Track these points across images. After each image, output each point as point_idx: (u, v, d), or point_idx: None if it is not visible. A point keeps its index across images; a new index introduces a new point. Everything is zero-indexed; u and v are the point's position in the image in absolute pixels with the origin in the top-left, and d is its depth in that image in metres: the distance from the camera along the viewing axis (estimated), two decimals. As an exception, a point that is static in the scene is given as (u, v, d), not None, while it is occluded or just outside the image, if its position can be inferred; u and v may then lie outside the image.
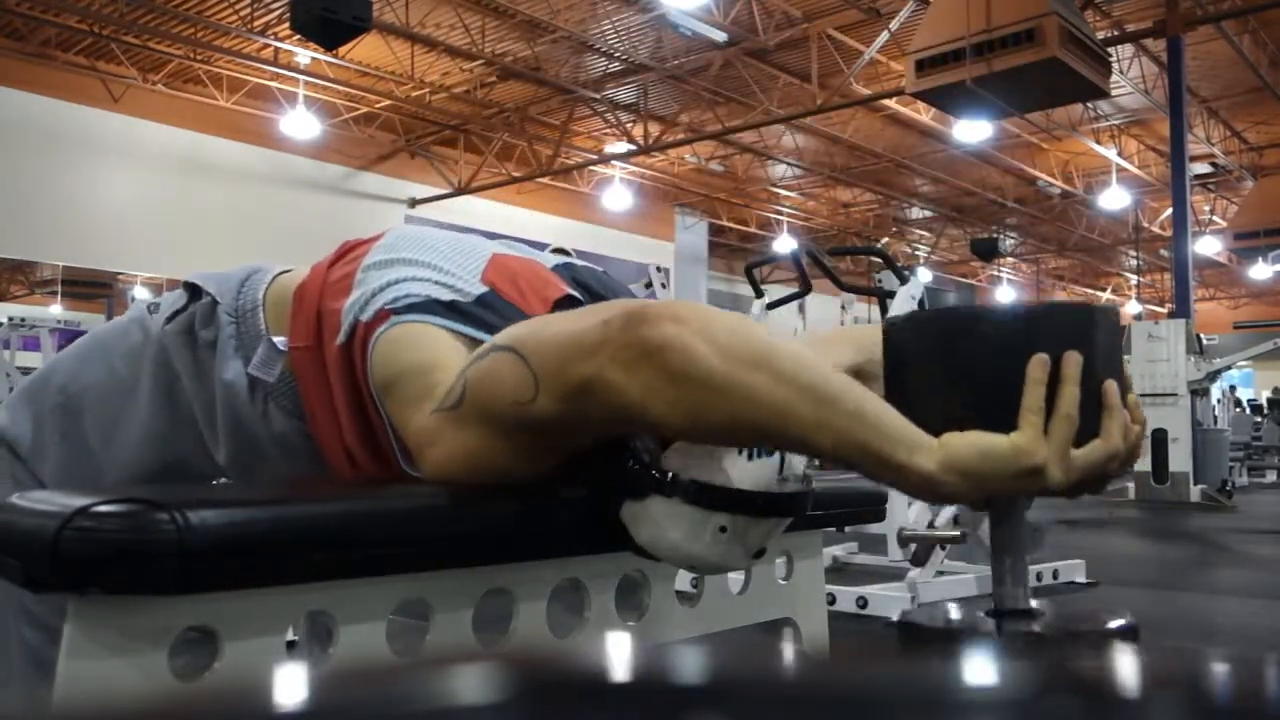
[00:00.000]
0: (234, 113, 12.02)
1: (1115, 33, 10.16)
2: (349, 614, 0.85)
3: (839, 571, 4.22)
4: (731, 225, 17.74)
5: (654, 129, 13.01)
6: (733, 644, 1.12)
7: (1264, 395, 14.64)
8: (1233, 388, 14.79)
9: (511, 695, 0.21)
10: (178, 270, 10.37)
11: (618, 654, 0.24)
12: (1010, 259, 20.64)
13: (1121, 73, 10.81)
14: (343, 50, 9.14)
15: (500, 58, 11.13)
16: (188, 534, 0.72)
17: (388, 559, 0.85)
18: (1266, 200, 14.07)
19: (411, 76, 11.45)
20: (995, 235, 17.69)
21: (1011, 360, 0.76)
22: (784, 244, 16.74)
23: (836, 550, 4.48)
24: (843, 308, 8.54)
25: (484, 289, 1.02)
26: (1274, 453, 12.69)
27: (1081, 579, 4.04)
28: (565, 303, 1.04)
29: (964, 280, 22.12)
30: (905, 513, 3.71)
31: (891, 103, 11.70)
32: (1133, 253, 18.16)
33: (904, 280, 4.07)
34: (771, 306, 4.61)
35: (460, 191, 14.01)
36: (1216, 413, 11.17)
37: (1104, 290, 23.52)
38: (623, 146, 13.59)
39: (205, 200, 11.70)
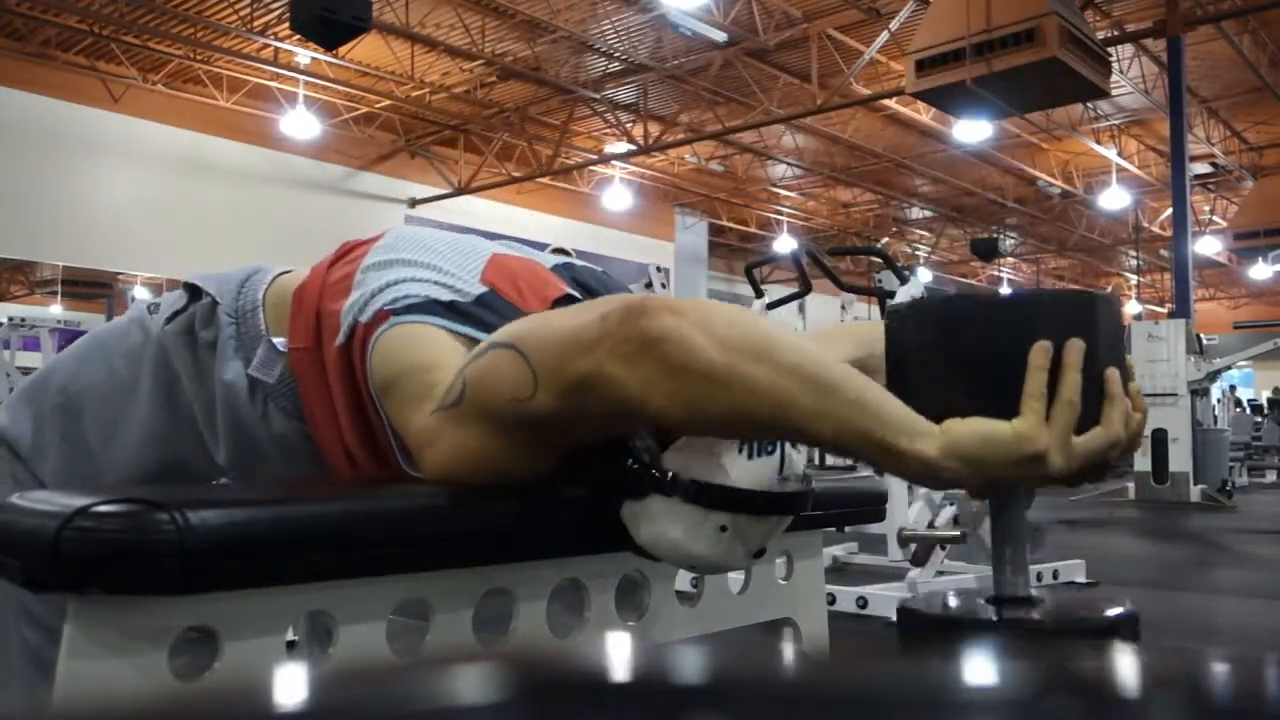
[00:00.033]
0: (234, 113, 12.02)
1: (1115, 33, 10.16)
2: (349, 614, 0.85)
3: (839, 571, 4.22)
4: (731, 225, 17.74)
5: (654, 129, 13.01)
6: (733, 644, 1.12)
7: (1264, 395, 14.64)
8: (1233, 387, 14.79)
9: (511, 695, 0.21)
10: (178, 270, 10.37)
11: (618, 654, 0.24)
12: (1010, 259, 20.65)
13: (1121, 73, 10.81)
14: (343, 50, 9.14)
15: (500, 58, 11.13)
16: (188, 534, 0.72)
17: (388, 559, 0.85)
18: (1266, 200, 14.07)
19: (411, 76, 11.45)
20: (995, 235, 17.69)
21: (1013, 347, 0.76)
22: (784, 244, 16.74)
23: (836, 550, 4.48)
24: (843, 308, 8.53)
25: (483, 289, 1.02)
26: (1274, 453, 12.69)
27: (1082, 579, 4.04)
28: (564, 302, 1.04)
29: (964, 280, 22.13)
30: (905, 513, 3.71)
31: (891, 103, 11.70)
32: (1133, 253, 18.17)
33: (904, 280, 4.07)
34: (771, 306, 4.62)
35: (460, 191, 14.02)
36: (1216, 413, 11.17)
37: (1104, 290, 23.51)
38: (623, 146, 13.59)
39: (205, 200, 11.70)
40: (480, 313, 0.99)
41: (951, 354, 0.79)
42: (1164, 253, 17.68)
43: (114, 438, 1.13)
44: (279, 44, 10.29)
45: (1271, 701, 0.22)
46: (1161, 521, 7.15)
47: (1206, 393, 9.26)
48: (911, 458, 0.75)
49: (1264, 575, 4.78)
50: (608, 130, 13.57)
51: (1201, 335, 9.05)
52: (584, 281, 1.13)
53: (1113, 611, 0.79)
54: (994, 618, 0.80)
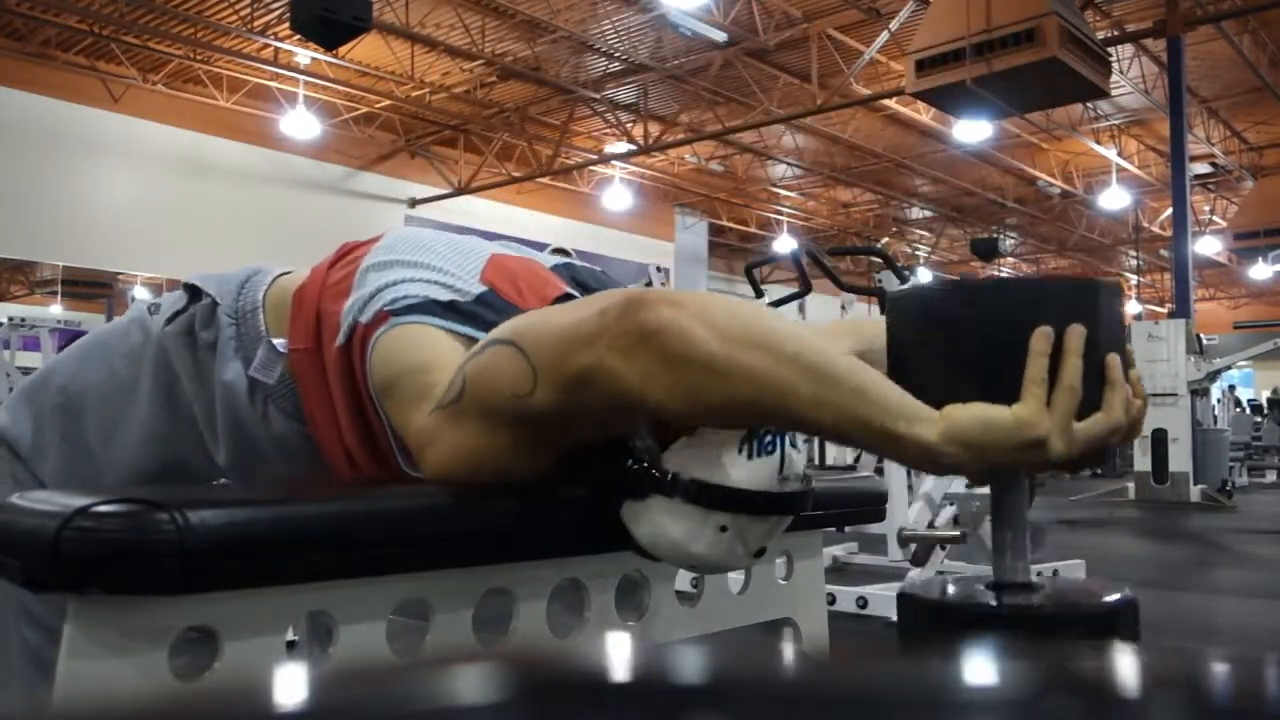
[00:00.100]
0: (234, 113, 12.02)
1: (1115, 33, 10.16)
2: (349, 614, 0.85)
3: (839, 571, 4.22)
4: (731, 225, 17.74)
5: (654, 129, 13.01)
6: (733, 644, 1.12)
7: (1264, 395, 14.64)
8: (1232, 387, 14.79)
9: (511, 695, 0.21)
10: (178, 270, 10.37)
11: (618, 654, 0.24)
12: (1010, 259, 20.65)
13: (1121, 73, 10.81)
14: (343, 50, 9.14)
15: (500, 58, 11.13)
16: (188, 534, 0.72)
17: (387, 559, 0.85)
18: (1266, 200, 14.07)
19: (411, 76, 11.45)
20: (995, 235, 17.69)
21: (1015, 334, 0.76)
22: (784, 244, 16.74)
23: (836, 550, 4.48)
24: (843, 308, 8.52)
25: (483, 288, 1.02)
26: (1274, 453, 12.69)
27: (1082, 579, 4.04)
28: (564, 301, 1.04)
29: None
30: (905, 513, 3.71)
31: (891, 103, 11.70)
32: (1133, 253, 18.17)
33: (904, 280, 4.07)
34: (772, 306, 4.61)
35: (460, 191, 14.02)
36: (1216, 413, 11.17)
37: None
38: (623, 146, 13.59)
39: (205, 200, 11.70)
40: (480, 312, 0.99)
41: (952, 340, 0.79)
42: (1164, 253, 17.68)
43: (114, 438, 1.13)
44: (279, 44, 10.29)
45: (1271, 701, 0.22)
46: (1161, 521, 7.15)
47: (1206, 393, 9.27)
48: (912, 443, 0.75)
49: (1264, 575, 4.79)
50: (608, 130, 13.57)
51: (1201, 335, 9.05)
52: (583, 281, 1.13)
53: (1112, 597, 0.78)
54: (993, 603, 0.80)
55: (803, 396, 0.76)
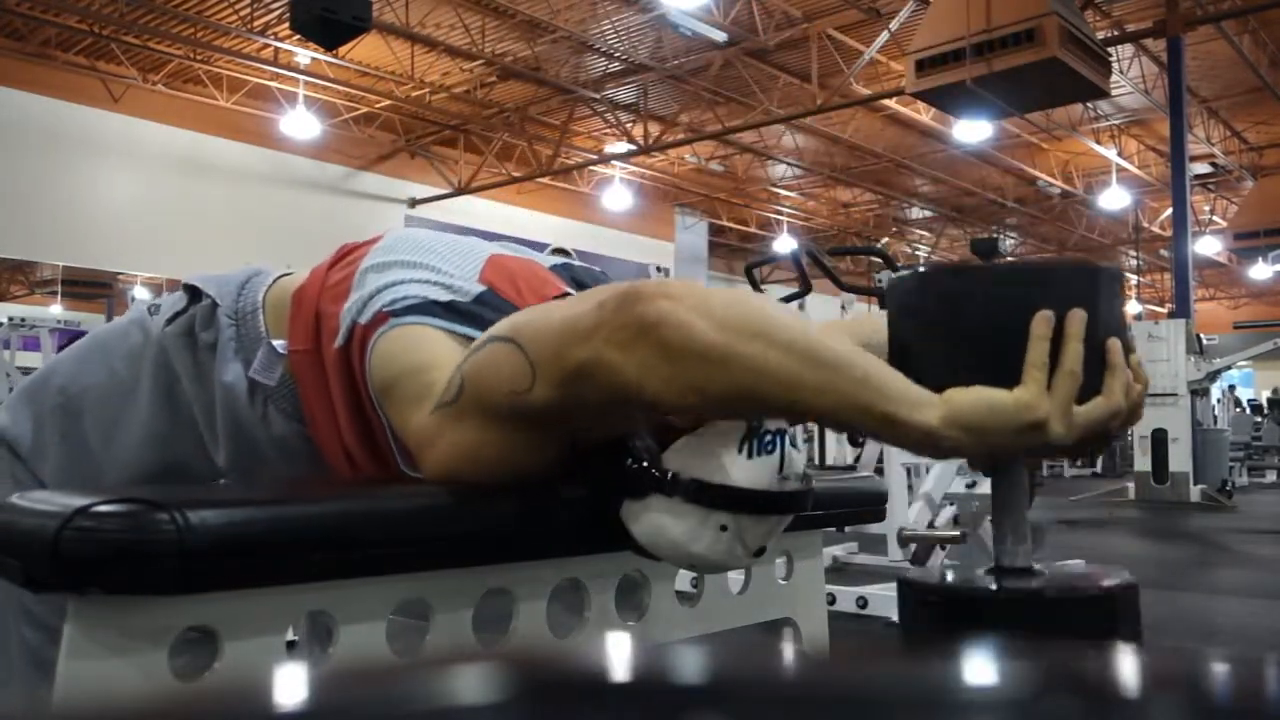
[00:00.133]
0: (234, 113, 12.02)
1: (1115, 33, 10.16)
2: (349, 614, 0.85)
3: (839, 571, 4.22)
4: (731, 225, 17.74)
5: (654, 129, 13.01)
6: (733, 644, 1.12)
7: (1264, 395, 14.64)
8: (1231, 387, 14.79)
9: (511, 695, 0.21)
10: (178, 270, 10.37)
11: (618, 654, 0.24)
12: (1010, 259, 20.65)
13: (1121, 73, 10.81)
14: (343, 50, 9.14)
15: (500, 58, 11.13)
16: (188, 534, 0.72)
17: (387, 559, 0.85)
18: (1266, 200, 14.07)
19: (411, 76, 11.45)
20: (995, 235, 17.69)
21: (1015, 318, 0.76)
22: (784, 244, 16.74)
23: (836, 550, 4.48)
24: (843, 308, 8.52)
25: (481, 288, 1.02)
26: (1274, 453, 12.70)
27: (1081, 579, 4.04)
28: None
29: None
30: (905, 513, 3.71)
31: (891, 103, 11.70)
32: (1133, 253, 18.17)
33: (904, 280, 4.06)
34: (771, 306, 4.60)
35: (460, 191, 14.02)
36: (1216, 413, 11.17)
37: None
38: (623, 146, 13.59)
39: (205, 200, 11.70)
40: (479, 312, 0.99)
41: (953, 325, 0.79)
42: (1164, 253, 17.68)
43: (114, 438, 1.13)
44: (279, 44, 10.29)
45: (1271, 701, 0.22)
46: (1161, 521, 7.15)
47: (1206, 393, 9.26)
48: (913, 428, 0.75)
49: (1264, 575, 4.79)
50: (608, 130, 13.57)
51: (1201, 335, 9.05)
52: (582, 281, 1.13)
53: (1112, 581, 0.78)
54: (993, 587, 0.80)
55: (803, 384, 0.76)
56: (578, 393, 0.82)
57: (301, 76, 11.31)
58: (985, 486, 3.45)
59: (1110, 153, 13.69)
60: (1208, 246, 16.76)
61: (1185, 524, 7.07)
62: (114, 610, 0.74)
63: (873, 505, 1.43)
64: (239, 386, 1.08)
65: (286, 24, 7.36)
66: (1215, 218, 17.04)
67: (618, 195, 14.96)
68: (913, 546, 3.61)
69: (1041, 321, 0.76)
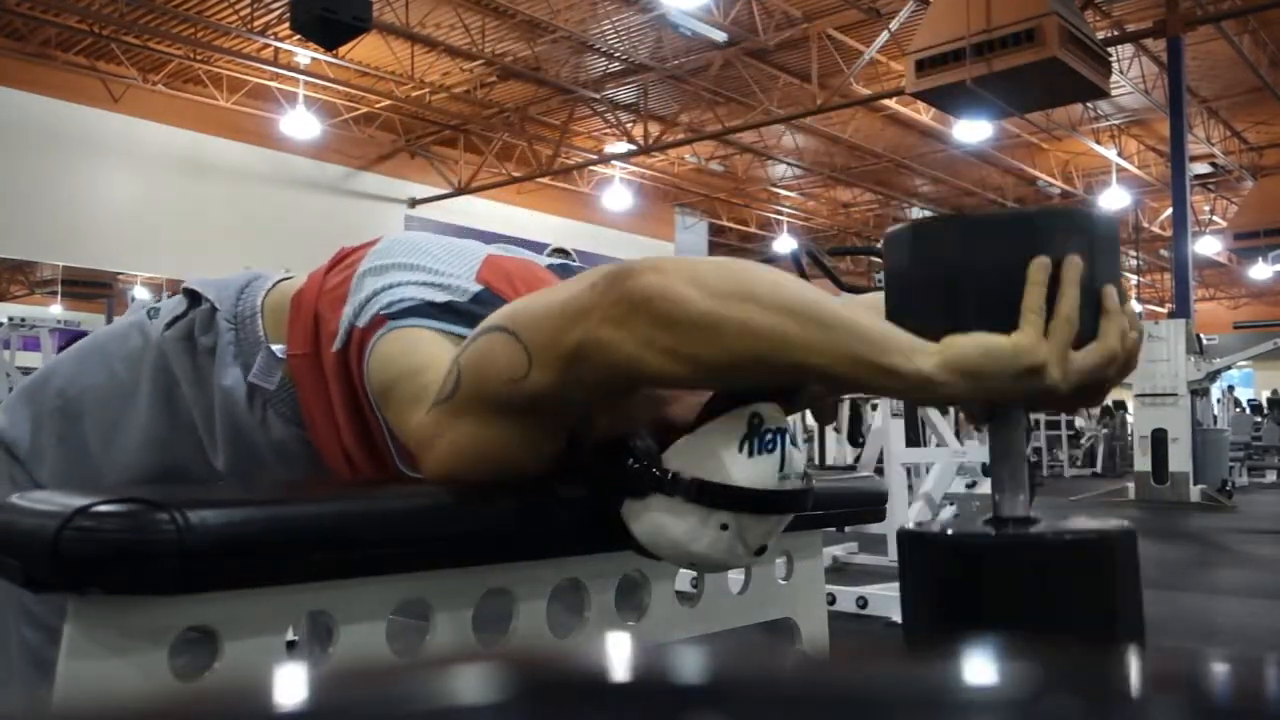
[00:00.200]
0: (234, 113, 12.02)
1: (1115, 33, 10.17)
2: (349, 614, 0.85)
3: (839, 571, 4.22)
4: (731, 225, 17.74)
5: (654, 129, 13.01)
6: (733, 644, 1.12)
7: (1264, 395, 14.65)
8: (1230, 388, 14.79)
9: (511, 695, 0.21)
10: (178, 270, 10.40)
11: (618, 654, 0.24)
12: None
13: (1121, 73, 10.81)
14: (343, 50, 9.14)
15: (500, 58, 11.13)
16: (188, 534, 0.72)
17: (387, 559, 0.85)
18: (1266, 200, 14.08)
19: (411, 76, 11.45)
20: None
21: (1011, 266, 0.76)
22: (784, 244, 16.74)
23: (836, 550, 4.48)
24: (843, 308, 8.52)
25: (479, 288, 1.02)
26: (1274, 453, 12.70)
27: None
28: None
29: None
30: (905, 513, 3.71)
31: (891, 103, 11.70)
32: (1133, 253, 18.18)
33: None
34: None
35: (460, 191, 14.02)
36: (1216, 413, 11.18)
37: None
38: (623, 146, 13.59)
39: (205, 200, 11.71)
40: (476, 311, 0.99)
41: (949, 275, 0.79)
42: (1164, 253, 17.69)
43: (113, 441, 1.13)
44: (279, 44, 10.30)
45: (1271, 701, 0.22)
46: (1161, 521, 7.15)
47: (1206, 393, 9.27)
48: (911, 376, 0.76)
49: (1264, 575, 4.79)
50: (608, 130, 13.57)
51: (1201, 335, 9.05)
52: None
53: (1110, 526, 0.78)
54: (991, 533, 0.80)
55: (798, 342, 0.76)
56: (575, 375, 0.82)
57: (301, 76, 11.32)
58: (985, 487, 3.45)
59: (1110, 153, 13.70)
60: (1208, 246, 16.77)
61: (1185, 524, 7.08)
62: (114, 610, 0.74)
63: (873, 505, 1.43)
64: (238, 391, 1.08)
65: (286, 24, 7.36)
66: (1215, 218, 17.04)
67: (618, 195, 14.96)
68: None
69: (1038, 267, 0.76)
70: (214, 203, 11.77)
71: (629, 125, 13.16)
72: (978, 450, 4.51)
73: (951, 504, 3.78)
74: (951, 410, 7.83)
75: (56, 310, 11.50)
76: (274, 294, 1.13)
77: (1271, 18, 10.53)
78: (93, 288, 12.44)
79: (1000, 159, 14.57)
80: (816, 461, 7.38)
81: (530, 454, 0.91)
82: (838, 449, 7.99)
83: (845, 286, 4.66)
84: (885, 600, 3.43)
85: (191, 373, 1.11)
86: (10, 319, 8.19)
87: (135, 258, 11.49)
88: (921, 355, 0.76)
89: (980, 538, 0.80)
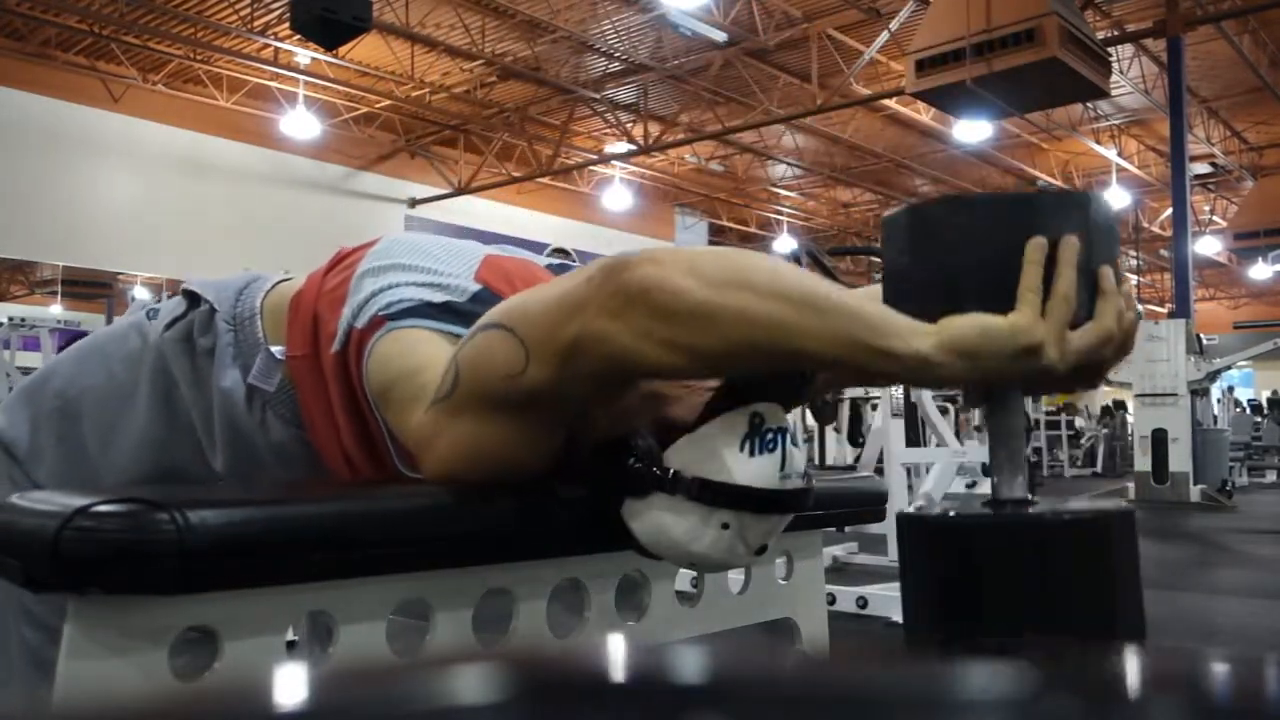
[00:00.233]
0: (234, 113, 12.02)
1: (1115, 33, 10.17)
2: (349, 614, 0.85)
3: (839, 571, 4.22)
4: (731, 225, 17.74)
5: (654, 129, 13.01)
6: (733, 644, 1.12)
7: (1264, 395, 14.65)
8: (1230, 389, 14.79)
9: (511, 695, 0.21)
10: (178, 270, 10.40)
11: (618, 654, 0.24)
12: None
13: (1121, 73, 10.81)
14: (343, 50, 9.14)
15: (500, 58, 11.13)
16: (188, 534, 0.72)
17: (387, 559, 0.85)
18: (1266, 200, 14.08)
19: (411, 76, 11.45)
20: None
21: (1008, 247, 0.76)
22: (784, 244, 16.74)
23: (836, 550, 4.48)
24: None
25: (477, 287, 1.02)
26: (1274, 453, 12.71)
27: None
28: None
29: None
30: (905, 513, 3.71)
31: (891, 103, 11.70)
32: (1133, 253, 18.18)
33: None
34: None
35: (460, 191, 14.02)
36: (1216, 413, 11.18)
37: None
38: (623, 146, 13.59)
39: (205, 200, 11.71)
40: (475, 311, 0.99)
41: (946, 257, 0.79)
42: (1164, 253, 17.68)
43: (111, 442, 1.13)
44: (279, 44, 10.30)
45: (1271, 701, 0.22)
46: (1161, 521, 7.15)
47: (1206, 393, 9.27)
48: (908, 357, 0.76)
49: (1264, 575, 4.79)
50: (608, 130, 13.57)
51: (1201, 335, 9.05)
52: None
53: (1108, 507, 0.78)
54: (990, 514, 0.80)
55: (795, 328, 0.76)
56: (573, 369, 0.82)
57: (301, 76, 11.32)
58: (985, 487, 3.44)
59: (1110, 153, 13.70)
60: (1208, 246, 16.77)
61: (1185, 524, 7.08)
62: (114, 610, 0.74)
63: (873, 505, 1.43)
64: (237, 392, 1.08)
65: (286, 24, 7.36)
66: (1215, 218, 17.04)
67: (618, 195, 14.96)
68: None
69: (1035, 247, 0.76)
70: (214, 203, 11.77)
71: (629, 125, 13.16)
72: (978, 450, 4.51)
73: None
74: (952, 410, 7.84)
75: (56, 310, 11.50)
76: (273, 295, 1.13)
77: (1271, 18, 10.53)
78: (93, 288, 12.43)
79: (1000, 159, 14.57)
80: (816, 461, 7.38)
81: (530, 451, 0.91)
82: (838, 449, 7.99)
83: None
84: (885, 600, 3.43)
85: (190, 374, 1.11)
86: (10, 319, 8.19)
87: (135, 258, 11.49)
88: (918, 337, 0.76)
89: (980, 518, 0.80)
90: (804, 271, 0.82)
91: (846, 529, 4.25)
